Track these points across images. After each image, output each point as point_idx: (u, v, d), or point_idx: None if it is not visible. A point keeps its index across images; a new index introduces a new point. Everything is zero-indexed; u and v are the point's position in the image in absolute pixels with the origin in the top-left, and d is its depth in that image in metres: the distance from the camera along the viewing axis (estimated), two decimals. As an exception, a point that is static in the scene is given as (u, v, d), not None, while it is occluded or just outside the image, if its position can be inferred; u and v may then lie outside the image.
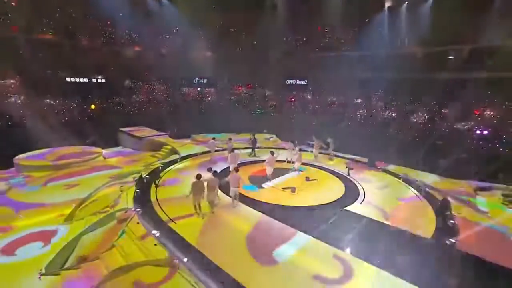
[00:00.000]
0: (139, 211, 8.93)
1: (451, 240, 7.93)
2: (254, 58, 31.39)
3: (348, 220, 9.02)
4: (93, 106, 22.59)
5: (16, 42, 20.47)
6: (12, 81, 20.63)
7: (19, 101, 19.71)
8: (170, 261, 6.61)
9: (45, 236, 8.15)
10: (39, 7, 21.75)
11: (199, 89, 31.07)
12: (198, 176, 8.95)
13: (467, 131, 19.06)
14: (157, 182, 11.69)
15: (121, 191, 10.71)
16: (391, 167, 14.99)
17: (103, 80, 24.77)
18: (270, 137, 21.42)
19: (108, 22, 26.02)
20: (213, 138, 15.87)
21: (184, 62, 29.80)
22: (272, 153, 12.51)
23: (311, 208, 9.94)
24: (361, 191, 11.75)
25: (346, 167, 14.01)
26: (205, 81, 32.17)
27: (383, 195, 11.40)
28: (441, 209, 9.66)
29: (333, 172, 14.18)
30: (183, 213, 8.97)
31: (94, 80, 24.14)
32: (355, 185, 12.53)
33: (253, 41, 31.23)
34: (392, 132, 20.81)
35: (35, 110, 19.24)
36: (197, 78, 31.82)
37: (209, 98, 30.05)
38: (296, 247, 7.33)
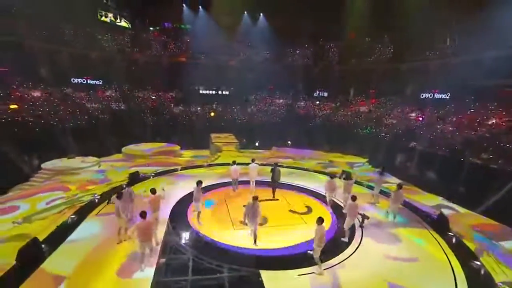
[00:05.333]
0: (98, 197, 10.32)
1: None
2: (387, 69, 25.88)
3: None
4: (212, 114, 27.16)
5: (177, 66, 28.40)
6: (170, 94, 28.68)
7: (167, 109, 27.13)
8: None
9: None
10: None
11: (317, 102, 29.36)
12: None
13: None
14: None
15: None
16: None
17: (227, 92, 29.11)
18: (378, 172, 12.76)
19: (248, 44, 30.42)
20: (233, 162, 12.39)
21: (307, 75, 29.43)
22: (256, 198, 8.43)
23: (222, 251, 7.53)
24: (347, 252, 7.87)
25: (360, 214, 9.06)
26: (325, 94, 30.11)
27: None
28: None
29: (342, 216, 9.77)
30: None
31: (219, 92, 28.94)
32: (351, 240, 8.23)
33: (389, 49, 25.85)
34: None
35: (174, 114, 26.00)
36: (317, 91, 30.37)
37: (324, 113, 27.66)
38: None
